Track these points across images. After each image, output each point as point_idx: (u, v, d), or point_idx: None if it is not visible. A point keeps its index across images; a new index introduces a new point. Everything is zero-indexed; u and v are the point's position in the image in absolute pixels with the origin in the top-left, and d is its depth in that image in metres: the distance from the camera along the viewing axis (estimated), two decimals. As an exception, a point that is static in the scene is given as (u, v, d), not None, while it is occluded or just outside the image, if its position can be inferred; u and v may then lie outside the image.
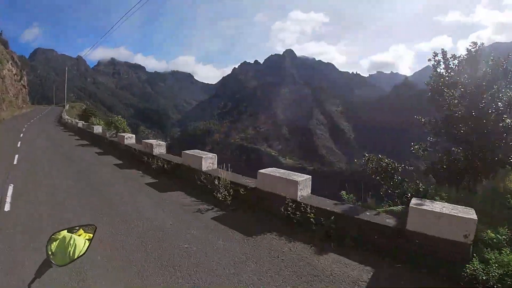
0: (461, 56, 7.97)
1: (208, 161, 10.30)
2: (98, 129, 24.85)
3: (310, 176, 7.37)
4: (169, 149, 15.50)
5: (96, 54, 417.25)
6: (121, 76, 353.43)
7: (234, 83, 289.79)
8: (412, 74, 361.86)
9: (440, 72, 8.23)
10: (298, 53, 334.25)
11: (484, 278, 4.00)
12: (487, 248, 4.48)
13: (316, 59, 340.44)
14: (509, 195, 5.94)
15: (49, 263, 1.75)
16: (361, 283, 4.43)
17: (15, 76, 69.10)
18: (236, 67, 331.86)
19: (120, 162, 15.04)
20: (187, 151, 11.15)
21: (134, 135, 18.24)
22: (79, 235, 1.92)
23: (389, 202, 6.71)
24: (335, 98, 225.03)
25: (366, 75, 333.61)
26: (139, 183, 10.91)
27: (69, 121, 39.70)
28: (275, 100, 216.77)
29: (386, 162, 7.41)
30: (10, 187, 9.65)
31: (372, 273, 4.67)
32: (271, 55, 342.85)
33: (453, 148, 8.02)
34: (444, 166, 7.80)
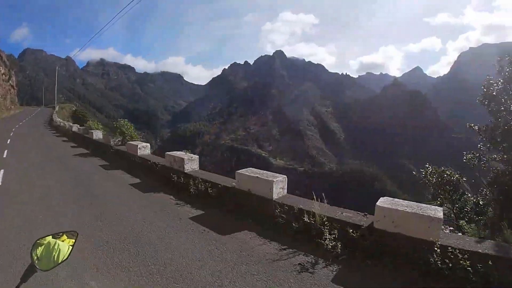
0: None
1: (279, 185, 7.06)
2: (97, 134, 21.22)
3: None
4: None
5: (85, 55, 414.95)
6: (110, 77, 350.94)
7: (224, 84, 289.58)
8: (401, 75, 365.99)
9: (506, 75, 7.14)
10: (288, 54, 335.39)
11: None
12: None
13: (306, 60, 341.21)
14: None
15: (34, 268, 1.77)
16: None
17: (4, 76, 67.48)
18: (226, 68, 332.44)
19: (137, 180, 11.13)
20: (243, 171, 7.66)
21: (148, 144, 14.33)
22: (63, 241, 1.94)
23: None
24: (325, 99, 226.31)
25: (355, 76, 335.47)
26: (179, 217, 7.23)
27: (61, 124, 35.98)
28: (265, 101, 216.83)
29: (449, 174, 6.65)
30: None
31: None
32: (261, 56, 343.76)
33: None
34: None
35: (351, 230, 5.24)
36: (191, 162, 10.21)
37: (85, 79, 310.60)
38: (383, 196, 5.61)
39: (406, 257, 4.70)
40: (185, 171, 9.87)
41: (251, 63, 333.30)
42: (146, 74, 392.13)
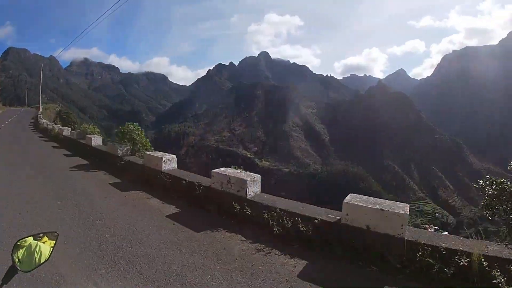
0: None
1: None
2: (96, 140, 17.41)
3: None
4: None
5: (69, 54, 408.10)
6: (94, 77, 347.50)
7: (209, 85, 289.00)
8: (385, 77, 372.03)
9: None
10: (273, 56, 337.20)
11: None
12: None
13: (291, 61, 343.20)
14: None
15: (15, 270, 1.79)
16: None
17: (-14, 75, 65.48)
18: (211, 68, 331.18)
19: (175, 209, 7.54)
20: (360, 202, 5.16)
21: (174, 156, 10.41)
22: (44, 242, 1.95)
23: None
24: (310, 101, 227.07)
25: (340, 78, 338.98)
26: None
27: (49, 126, 31.46)
28: (250, 102, 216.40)
29: (509, 185, 5.67)
30: None
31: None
32: (246, 57, 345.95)
33: None
34: None
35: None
36: (253, 184, 7.05)
37: (68, 79, 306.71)
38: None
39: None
40: (248, 197, 6.83)
41: (236, 64, 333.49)
42: (130, 74, 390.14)
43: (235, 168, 7.99)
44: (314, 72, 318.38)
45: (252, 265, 4.70)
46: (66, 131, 24.62)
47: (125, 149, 13.47)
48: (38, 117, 42.89)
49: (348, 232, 5.01)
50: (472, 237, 4.77)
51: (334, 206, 6.12)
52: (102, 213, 7.12)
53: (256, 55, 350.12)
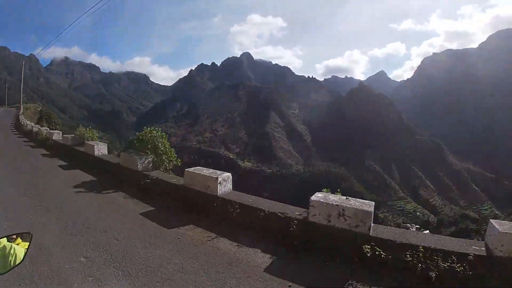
0: None
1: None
2: (101, 149, 13.67)
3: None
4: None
5: (49, 53, 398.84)
6: (75, 76, 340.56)
7: (191, 85, 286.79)
8: (366, 78, 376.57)
9: None
10: (256, 57, 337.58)
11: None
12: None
13: (273, 62, 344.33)
14: None
15: None
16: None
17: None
18: (193, 69, 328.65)
19: (271, 258, 4.80)
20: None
21: (229, 174, 7.30)
22: (18, 244, 1.95)
23: None
24: (291, 102, 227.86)
25: (321, 79, 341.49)
26: None
27: (34, 129, 26.77)
28: (233, 103, 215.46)
29: None
30: None
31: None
32: (229, 57, 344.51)
33: None
34: None
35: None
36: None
37: (48, 78, 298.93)
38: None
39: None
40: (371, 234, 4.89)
41: (218, 65, 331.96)
42: (111, 74, 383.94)
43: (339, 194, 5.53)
44: (296, 73, 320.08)
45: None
46: (56, 135, 20.85)
47: (146, 161, 10.06)
48: (20, 118, 39.72)
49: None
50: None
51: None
52: (165, 279, 4.12)
53: (239, 56, 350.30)
